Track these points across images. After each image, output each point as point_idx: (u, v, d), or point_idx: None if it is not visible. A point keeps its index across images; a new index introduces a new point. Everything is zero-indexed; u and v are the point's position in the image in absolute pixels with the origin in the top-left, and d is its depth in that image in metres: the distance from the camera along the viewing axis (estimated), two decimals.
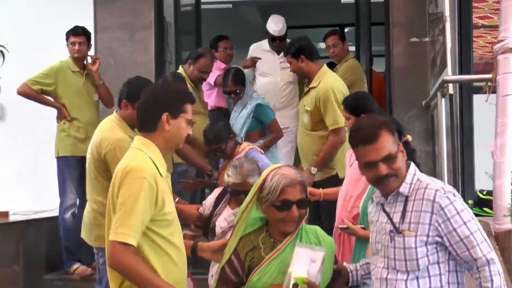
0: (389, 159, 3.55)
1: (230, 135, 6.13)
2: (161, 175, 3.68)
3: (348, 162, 5.44)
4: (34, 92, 7.23)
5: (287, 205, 3.77)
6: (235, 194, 5.03)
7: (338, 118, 6.35)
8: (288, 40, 7.70)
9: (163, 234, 3.66)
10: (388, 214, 3.64)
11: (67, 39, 7.43)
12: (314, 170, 6.46)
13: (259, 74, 8.22)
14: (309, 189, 5.68)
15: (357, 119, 5.10)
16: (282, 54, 7.72)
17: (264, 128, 7.18)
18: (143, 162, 3.62)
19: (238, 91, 7.13)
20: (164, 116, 3.71)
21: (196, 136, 6.77)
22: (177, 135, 3.79)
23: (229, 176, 4.99)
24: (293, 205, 3.77)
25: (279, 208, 3.77)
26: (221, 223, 5.14)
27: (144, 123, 3.78)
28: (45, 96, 7.34)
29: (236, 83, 7.11)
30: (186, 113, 3.82)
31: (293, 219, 3.80)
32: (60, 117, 7.30)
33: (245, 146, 6.18)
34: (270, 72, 8.12)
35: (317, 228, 4.05)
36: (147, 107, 3.78)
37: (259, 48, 8.31)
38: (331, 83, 6.51)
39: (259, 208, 3.90)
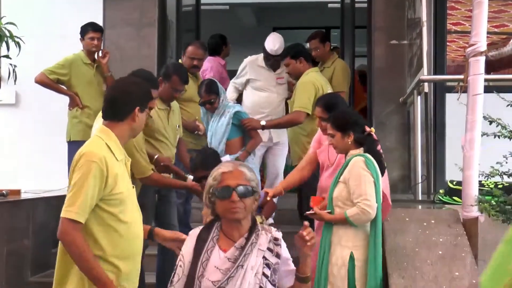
0: None
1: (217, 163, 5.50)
2: (116, 159, 3.78)
3: (326, 160, 5.40)
4: (51, 81, 7.27)
5: None
6: (222, 195, 3.29)
7: (302, 103, 6.51)
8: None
9: (113, 211, 3.72)
10: None
11: (85, 33, 7.40)
12: (263, 122, 6.64)
13: (254, 88, 7.56)
14: (271, 191, 5.44)
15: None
16: (278, 70, 7.46)
17: (242, 136, 6.56)
18: (96, 148, 3.74)
19: (212, 101, 6.44)
20: (136, 109, 3.85)
21: (189, 121, 6.94)
22: (140, 126, 3.97)
23: (218, 168, 3.42)
24: None
25: None
26: (211, 275, 3.28)
27: (115, 112, 3.88)
28: (60, 85, 7.34)
29: (209, 93, 6.45)
30: (148, 108, 4.01)
31: None
32: (73, 104, 7.31)
33: None
34: (267, 87, 7.49)
35: None
36: (122, 100, 3.89)
37: (255, 63, 7.57)
38: (306, 78, 6.65)
39: None
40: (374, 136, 4.94)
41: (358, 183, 4.60)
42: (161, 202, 6.08)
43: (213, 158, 5.35)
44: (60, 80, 7.32)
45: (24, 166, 8.55)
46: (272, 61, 7.42)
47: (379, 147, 4.96)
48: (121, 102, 3.88)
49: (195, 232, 3.43)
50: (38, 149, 8.57)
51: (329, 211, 4.75)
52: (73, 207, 3.60)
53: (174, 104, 6.21)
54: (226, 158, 6.09)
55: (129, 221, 3.80)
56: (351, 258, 4.60)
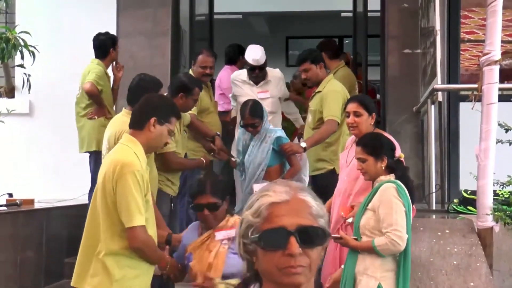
0: None
1: (227, 196, 4.36)
2: (142, 167, 4.06)
3: (344, 162, 5.36)
4: (98, 92, 7.09)
5: None
6: (273, 243, 1.86)
7: (334, 112, 6.31)
8: (267, 69, 7.17)
9: (145, 217, 4.03)
10: None
11: (116, 44, 7.38)
12: (304, 144, 6.26)
13: (239, 104, 7.05)
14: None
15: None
16: (260, 84, 7.12)
17: (282, 163, 6.25)
18: (131, 157, 4.02)
19: (256, 124, 6.13)
20: (152, 119, 4.10)
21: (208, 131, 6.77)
22: (158, 139, 4.19)
23: (263, 194, 1.92)
24: None
25: None
26: None
27: (136, 121, 4.18)
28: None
29: (254, 116, 6.13)
30: (170, 124, 4.20)
31: None
32: (100, 114, 7.16)
33: (237, 221, 4.14)
34: None
35: None
36: (142, 108, 4.22)
37: (236, 79, 7.29)
38: (334, 87, 6.50)
39: None
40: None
41: (389, 211, 4.30)
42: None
43: (225, 187, 4.56)
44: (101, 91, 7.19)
45: (37, 175, 8.55)
46: (257, 73, 7.11)
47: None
48: (140, 111, 4.21)
49: None
50: (52, 158, 8.58)
51: (355, 237, 4.48)
52: (136, 215, 3.93)
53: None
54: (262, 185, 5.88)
55: (153, 224, 4.16)
56: None
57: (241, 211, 2.29)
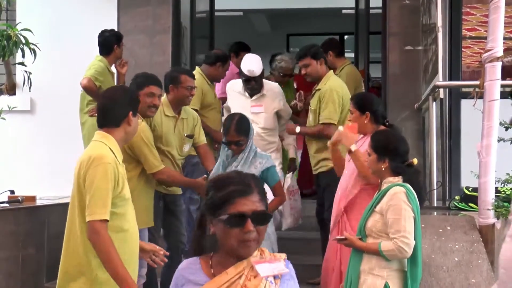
0: None
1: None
2: (119, 162, 4.02)
3: (346, 158, 5.42)
4: (96, 88, 7.06)
5: None
6: None
7: (332, 115, 6.34)
8: (263, 80, 6.89)
9: (120, 212, 3.96)
10: None
11: (120, 41, 7.40)
12: (298, 128, 6.43)
13: None
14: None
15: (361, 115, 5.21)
16: (255, 97, 6.79)
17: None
18: (105, 151, 3.96)
19: (241, 142, 5.46)
20: (130, 113, 4.13)
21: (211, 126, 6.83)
22: (135, 130, 4.23)
23: None
24: None
25: None
26: None
27: (110, 120, 4.13)
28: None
29: (239, 133, 5.46)
30: (138, 112, 4.30)
31: None
32: None
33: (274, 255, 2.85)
34: None
35: None
36: (115, 106, 4.15)
37: (232, 88, 7.00)
38: (334, 85, 6.47)
39: None
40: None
41: (398, 217, 4.25)
42: (167, 209, 6.00)
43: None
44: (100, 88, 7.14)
45: (39, 172, 8.58)
46: (252, 85, 6.75)
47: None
48: (115, 109, 4.14)
49: None
50: (53, 155, 8.60)
51: (360, 237, 4.45)
52: (99, 208, 3.82)
53: (189, 113, 6.11)
54: None
55: (132, 221, 4.06)
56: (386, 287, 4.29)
57: None
